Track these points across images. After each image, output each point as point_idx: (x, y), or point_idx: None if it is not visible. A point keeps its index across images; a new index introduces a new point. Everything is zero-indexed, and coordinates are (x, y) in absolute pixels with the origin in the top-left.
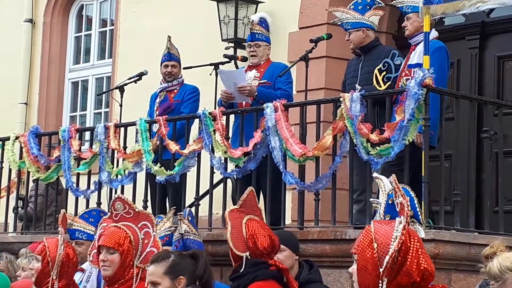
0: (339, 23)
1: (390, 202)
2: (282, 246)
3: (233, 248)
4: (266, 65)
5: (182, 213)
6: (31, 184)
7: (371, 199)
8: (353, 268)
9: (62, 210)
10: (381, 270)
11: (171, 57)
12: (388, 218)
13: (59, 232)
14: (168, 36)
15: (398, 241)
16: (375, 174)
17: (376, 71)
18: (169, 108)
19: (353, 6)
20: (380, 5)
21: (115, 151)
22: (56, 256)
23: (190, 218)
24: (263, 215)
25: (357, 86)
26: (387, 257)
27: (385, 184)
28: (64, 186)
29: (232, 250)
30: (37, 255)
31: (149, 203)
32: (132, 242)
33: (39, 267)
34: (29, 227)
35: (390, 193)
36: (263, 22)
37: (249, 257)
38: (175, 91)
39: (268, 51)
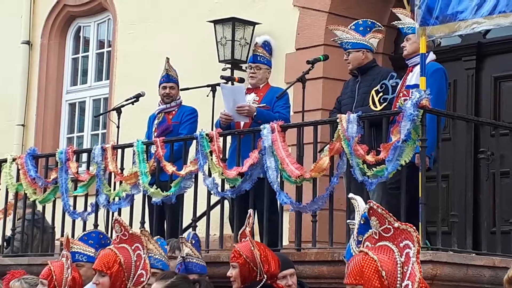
0: (339, 42)
1: (362, 222)
2: (292, 270)
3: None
4: (265, 89)
5: (183, 236)
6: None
7: (348, 221)
8: None
9: (66, 232)
10: None
11: (169, 78)
12: (361, 238)
13: (63, 255)
14: (167, 57)
15: (419, 267)
16: (350, 195)
17: (373, 92)
18: (167, 130)
19: (354, 27)
20: (380, 28)
21: (113, 173)
22: (63, 280)
23: (194, 241)
24: (259, 236)
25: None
26: (416, 284)
27: (359, 204)
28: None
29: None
30: (43, 279)
31: (147, 225)
32: (122, 265)
33: None
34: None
35: (363, 213)
36: (266, 45)
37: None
38: (173, 112)
39: (268, 74)
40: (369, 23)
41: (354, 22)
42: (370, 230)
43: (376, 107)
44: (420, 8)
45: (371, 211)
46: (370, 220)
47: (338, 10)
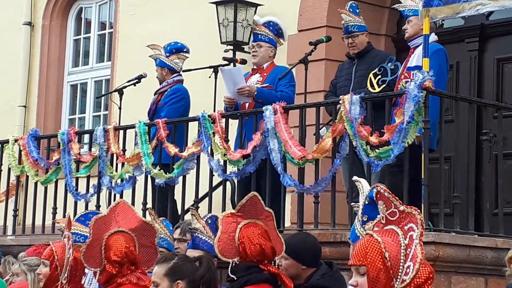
0: (345, 25)
1: (367, 202)
2: (285, 254)
3: (219, 253)
4: (270, 68)
5: (194, 207)
6: (30, 186)
7: (352, 203)
8: (356, 280)
9: (68, 213)
10: (399, 279)
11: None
12: (366, 218)
13: (65, 235)
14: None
15: (421, 249)
16: (354, 178)
17: (371, 75)
18: (151, 110)
19: (351, 10)
20: (360, 10)
21: (114, 154)
22: (65, 260)
23: (210, 221)
24: None
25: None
26: (417, 265)
27: (363, 186)
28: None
29: (218, 255)
30: (45, 260)
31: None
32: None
33: (47, 272)
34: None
35: (368, 193)
36: (271, 25)
37: (237, 262)
38: (165, 93)
39: (271, 53)
40: (354, 5)
41: (348, 5)
42: (378, 216)
43: (374, 89)
44: None
45: (378, 195)
46: (378, 205)
47: None
